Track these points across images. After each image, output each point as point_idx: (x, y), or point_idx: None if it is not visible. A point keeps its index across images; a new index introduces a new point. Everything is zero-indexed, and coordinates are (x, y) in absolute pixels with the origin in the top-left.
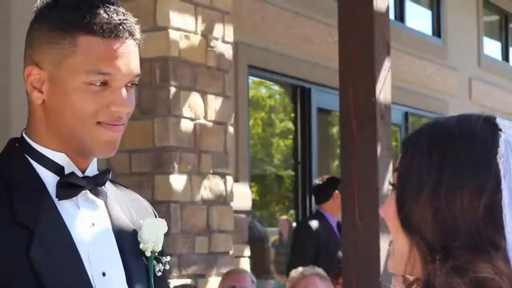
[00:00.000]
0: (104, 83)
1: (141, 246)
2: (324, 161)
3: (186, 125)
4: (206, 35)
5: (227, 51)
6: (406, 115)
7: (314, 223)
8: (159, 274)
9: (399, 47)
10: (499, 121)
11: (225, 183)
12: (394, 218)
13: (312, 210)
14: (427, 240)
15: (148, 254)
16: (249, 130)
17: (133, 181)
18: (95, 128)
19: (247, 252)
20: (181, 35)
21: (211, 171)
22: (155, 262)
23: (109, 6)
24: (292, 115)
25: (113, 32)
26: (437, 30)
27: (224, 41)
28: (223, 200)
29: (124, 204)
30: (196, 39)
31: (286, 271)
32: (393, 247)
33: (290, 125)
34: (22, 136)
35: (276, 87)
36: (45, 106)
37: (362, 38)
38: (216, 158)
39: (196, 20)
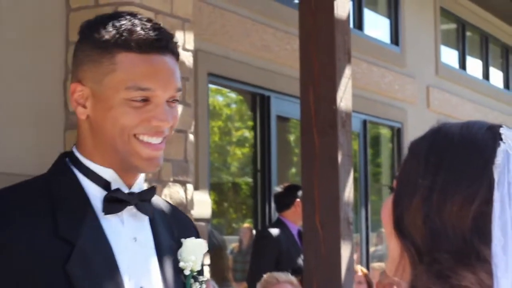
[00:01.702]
0: (145, 100)
1: (181, 264)
2: (283, 169)
3: None
4: None
5: (188, 58)
6: (364, 123)
7: (274, 231)
8: None
9: (357, 55)
10: (504, 130)
11: (185, 191)
12: (389, 221)
13: (272, 218)
14: (417, 245)
15: (187, 272)
16: (209, 138)
17: None
18: (134, 143)
19: (207, 260)
20: None
21: (171, 179)
22: (192, 280)
23: (146, 23)
24: (251, 123)
25: (151, 47)
26: (395, 38)
27: (184, 49)
28: (183, 208)
29: (166, 221)
30: None
31: (247, 279)
32: (388, 250)
33: (249, 133)
34: (72, 151)
35: (234, 95)
36: (90, 121)
37: (323, 46)
38: (177, 166)
39: None
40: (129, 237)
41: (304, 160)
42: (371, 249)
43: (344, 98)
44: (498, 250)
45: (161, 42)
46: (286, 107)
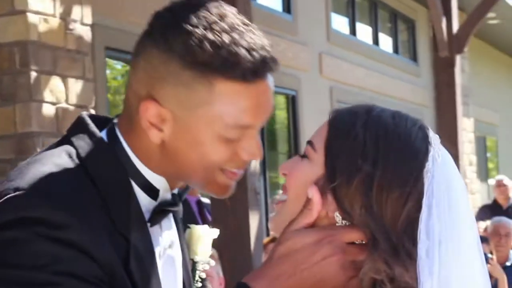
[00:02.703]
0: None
1: (194, 258)
2: None
3: (48, 110)
4: (65, 17)
5: (86, 33)
6: None
7: None
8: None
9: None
10: (431, 134)
11: None
12: (301, 185)
13: None
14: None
15: (199, 267)
16: (109, 113)
17: None
18: (218, 174)
19: None
20: (40, 18)
21: None
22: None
23: (249, 36)
24: None
25: (257, 75)
26: (287, 6)
27: (82, 23)
28: None
29: None
30: (55, 22)
31: None
32: (282, 209)
33: None
34: (114, 133)
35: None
36: (165, 146)
37: None
38: None
39: (54, 2)
40: (166, 243)
41: None
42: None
43: None
44: (423, 253)
45: (268, 65)
46: None
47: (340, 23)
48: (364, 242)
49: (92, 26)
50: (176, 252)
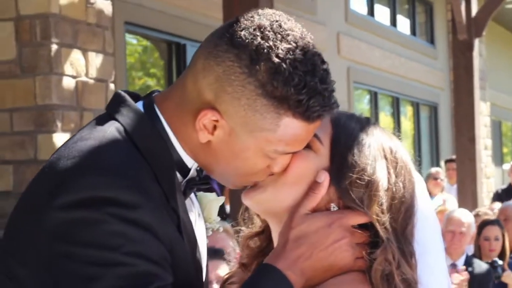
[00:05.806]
0: None
1: (207, 225)
2: None
3: (68, 83)
4: None
5: (107, 7)
6: None
7: None
8: None
9: None
10: None
11: None
12: (306, 172)
13: None
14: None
15: (209, 233)
16: (127, 87)
17: (15, 140)
18: (242, 180)
19: None
20: None
21: None
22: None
23: (326, 79)
24: (167, 71)
25: (321, 117)
26: None
27: None
28: None
29: None
30: None
31: None
32: (271, 188)
33: (165, 81)
34: (152, 109)
35: (150, 43)
36: (208, 143)
37: None
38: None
39: None
40: (196, 214)
41: None
42: None
43: None
44: (417, 256)
45: (332, 110)
46: None
47: (358, 3)
48: (358, 225)
49: (112, 0)
50: (202, 224)
